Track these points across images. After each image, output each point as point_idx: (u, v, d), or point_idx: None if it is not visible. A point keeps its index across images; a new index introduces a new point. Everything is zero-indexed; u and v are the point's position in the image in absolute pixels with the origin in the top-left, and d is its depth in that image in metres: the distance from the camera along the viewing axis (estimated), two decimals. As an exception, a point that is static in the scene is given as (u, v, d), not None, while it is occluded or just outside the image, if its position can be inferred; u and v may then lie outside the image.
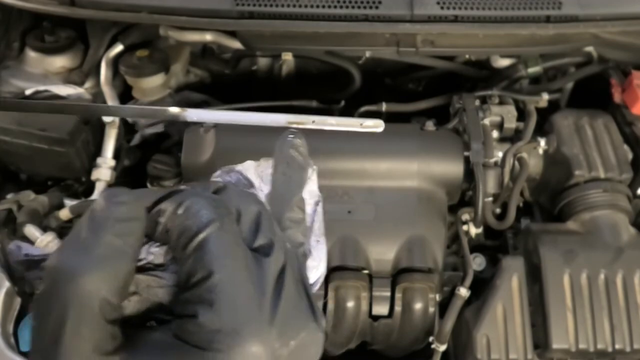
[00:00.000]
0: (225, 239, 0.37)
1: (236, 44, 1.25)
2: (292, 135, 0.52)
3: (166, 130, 1.32)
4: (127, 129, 1.31)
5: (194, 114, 0.60)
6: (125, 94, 1.32)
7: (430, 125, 1.16)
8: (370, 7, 1.11)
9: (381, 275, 1.03)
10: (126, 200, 0.37)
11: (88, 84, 1.32)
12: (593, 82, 1.32)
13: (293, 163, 0.50)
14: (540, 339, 0.99)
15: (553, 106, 1.28)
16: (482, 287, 1.05)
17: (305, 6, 1.12)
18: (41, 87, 1.26)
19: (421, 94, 1.38)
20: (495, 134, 1.18)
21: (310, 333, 0.38)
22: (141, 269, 0.39)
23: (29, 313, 0.95)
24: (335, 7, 1.12)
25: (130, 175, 1.27)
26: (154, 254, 0.39)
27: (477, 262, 1.12)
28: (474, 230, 1.15)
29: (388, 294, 1.01)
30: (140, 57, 1.26)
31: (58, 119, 1.16)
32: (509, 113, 1.18)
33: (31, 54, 1.34)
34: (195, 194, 0.38)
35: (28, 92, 1.26)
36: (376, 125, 0.61)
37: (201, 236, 0.36)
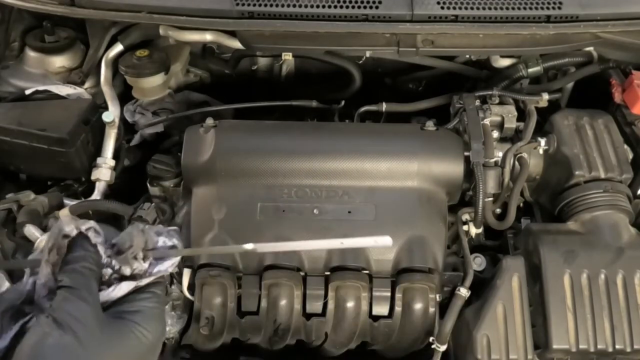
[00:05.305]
0: None
1: (236, 44, 1.25)
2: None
3: (166, 130, 1.32)
4: (127, 129, 1.31)
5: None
6: (125, 94, 1.32)
7: (430, 125, 1.15)
8: (370, 7, 1.11)
9: (381, 275, 1.03)
10: None
11: (88, 84, 1.32)
12: (593, 82, 1.32)
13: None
14: (541, 339, 0.99)
15: (553, 106, 1.28)
16: (482, 287, 1.05)
17: (305, 6, 1.11)
18: (41, 87, 1.26)
19: (421, 94, 1.38)
20: (495, 134, 1.18)
21: None
22: None
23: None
24: (335, 7, 1.12)
25: (130, 175, 1.27)
26: None
27: (477, 262, 1.12)
28: (474, 231, 1.15)
29: (388, 294, 1.01)
30: (140, 57, 1.26)
31: (58, 119, 1.16)
32: (509, 113, 1.18)
33: (31, 54, 1.34)
34: None
35: (28, 92, 1.26)
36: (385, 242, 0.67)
37: None
